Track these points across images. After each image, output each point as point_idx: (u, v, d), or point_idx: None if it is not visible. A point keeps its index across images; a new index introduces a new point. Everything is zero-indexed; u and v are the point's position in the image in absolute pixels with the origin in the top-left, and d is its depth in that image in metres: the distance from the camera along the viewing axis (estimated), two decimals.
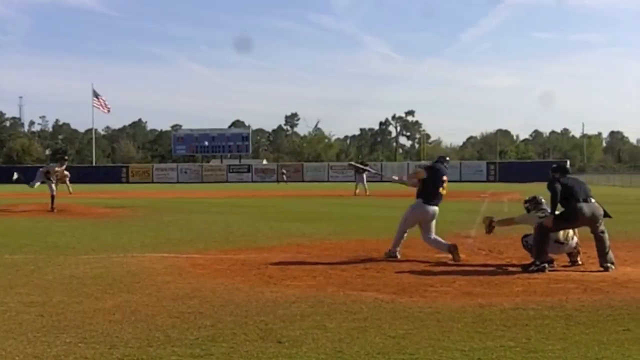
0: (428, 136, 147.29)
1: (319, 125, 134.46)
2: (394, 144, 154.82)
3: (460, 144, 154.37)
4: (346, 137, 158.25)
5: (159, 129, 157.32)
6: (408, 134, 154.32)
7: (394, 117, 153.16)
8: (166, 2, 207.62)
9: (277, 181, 72.84)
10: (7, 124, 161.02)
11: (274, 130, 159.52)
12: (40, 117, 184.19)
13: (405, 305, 7.41)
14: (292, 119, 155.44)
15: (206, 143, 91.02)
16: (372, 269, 10.05)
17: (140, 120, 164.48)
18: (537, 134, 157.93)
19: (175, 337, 6.05)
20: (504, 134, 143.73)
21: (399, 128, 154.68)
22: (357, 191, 37.33)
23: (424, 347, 5.68)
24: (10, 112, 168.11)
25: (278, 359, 5.36)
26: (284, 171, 77.82)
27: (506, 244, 12.62)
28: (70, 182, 26.66)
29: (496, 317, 6.77)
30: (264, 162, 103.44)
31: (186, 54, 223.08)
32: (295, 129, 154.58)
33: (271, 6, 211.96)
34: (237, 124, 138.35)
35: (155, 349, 5.66)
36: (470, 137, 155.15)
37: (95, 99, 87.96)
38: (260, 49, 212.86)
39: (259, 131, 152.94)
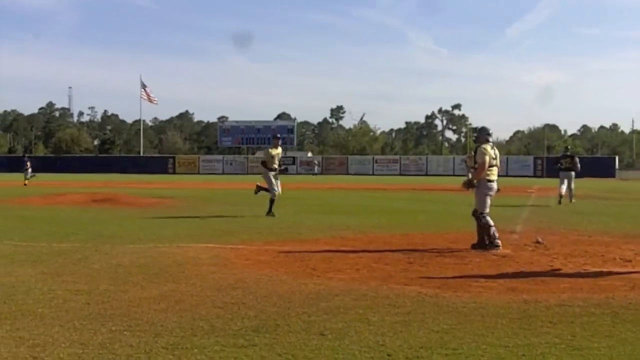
0: (474, 130, 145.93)
1: (364, 119, 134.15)
2: (440, 137, 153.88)
3: (507, 138, 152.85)
4: (391, 130, 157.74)
5: (206, 121, 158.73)
6: (454, 127, 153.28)
7: (440, 111, 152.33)
8: None
9: (313, 173, 72.75)
10: (57, 114, 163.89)
11: (319, 123, 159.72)
12: (89, 108, 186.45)
13: (449, 300, 7.36)
14: (337, 112, 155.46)
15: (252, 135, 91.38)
16: (416, 263, 9.99)
17: (187, 111, 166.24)
18: (585, 129, 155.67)
19: (219, 327, 6.09)
20: (551, 128, 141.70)
21: (445, 121, 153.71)
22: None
23: (468, 342, 5.64)
24: (60, 103, 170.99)
25: (321, 351, 5.36)
26: (316, 162, 77.78)
27: (553, 240, 12.46)
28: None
29: (541, 314, 6.68)
30: (309, 154, 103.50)
31: (232, 48, 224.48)
32: (341, 122, 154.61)
33: (316, 1, 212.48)
34: (282, 116, 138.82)
35: (199, 338, 5.71)
36: (517, 132, 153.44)
37: (143, 90, 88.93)
38: (305, 43, 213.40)
39: (305, 124, 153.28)
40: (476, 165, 11.59)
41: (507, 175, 66.24)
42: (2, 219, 17.26)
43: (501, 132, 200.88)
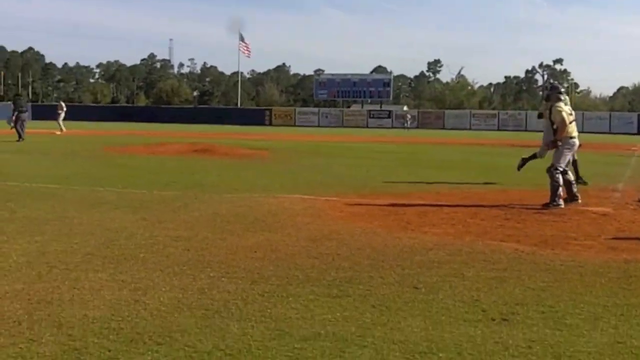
0: (576, 85, 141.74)
1: (462, 72, 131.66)
2: (540, 92, 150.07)
3: (611, 94, 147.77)
4: (490, 84, 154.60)
5: (302, 74, 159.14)
6: (556, 82, 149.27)
7: (540, 65, 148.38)
8: None
9: (405, 127, 71.88)
10: (158, 65, 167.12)
11: (415, 77, 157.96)
12: (189, 60, 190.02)
13: (547, 257, 7.25)
14: (434, 65, 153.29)
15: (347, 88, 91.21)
16: (513, 219, 9.85)
17: (284, 64, 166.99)
18: None
19: (314, 276, 6.17)
20: None
21: (546, 76, 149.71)
22: None
23: (565, 300, 5.55)
24: (161, 55, 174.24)
25: (414, 304, 5.38)
26: (409, 116, 76.86)
27: None
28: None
29: None
30: (405, 108, 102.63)
31: (330, 0, 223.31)
32: (438, 76, 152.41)
33: None
34: (378, 69, 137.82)
35: (295, 287, 5.80)
36: (622, 88, 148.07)
37: (241, 42, 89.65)
38: None
39: (401, 77, 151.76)
40: (555, 127, 11.35)
41: (610, 133, 64.29)
42: (106, 167, 17.85)
43: (604, 88, 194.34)
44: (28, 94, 73.20)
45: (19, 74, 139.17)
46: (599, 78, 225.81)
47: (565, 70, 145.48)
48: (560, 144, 11.15)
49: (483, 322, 4.94)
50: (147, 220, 9.05)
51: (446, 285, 5.96)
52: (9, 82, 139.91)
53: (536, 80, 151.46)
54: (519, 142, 35.39)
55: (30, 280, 5.86)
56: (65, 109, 41.52)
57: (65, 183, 13.26)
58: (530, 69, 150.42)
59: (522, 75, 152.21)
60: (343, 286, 5.85)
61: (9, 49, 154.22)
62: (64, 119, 40.25)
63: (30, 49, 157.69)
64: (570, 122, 11.27)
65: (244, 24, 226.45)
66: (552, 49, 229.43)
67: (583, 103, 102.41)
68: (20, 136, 28.77)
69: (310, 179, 15.09)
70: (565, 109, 11.35)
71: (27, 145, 26.91)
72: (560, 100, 11.46)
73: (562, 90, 11.80)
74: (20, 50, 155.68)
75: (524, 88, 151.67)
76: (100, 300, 5.28)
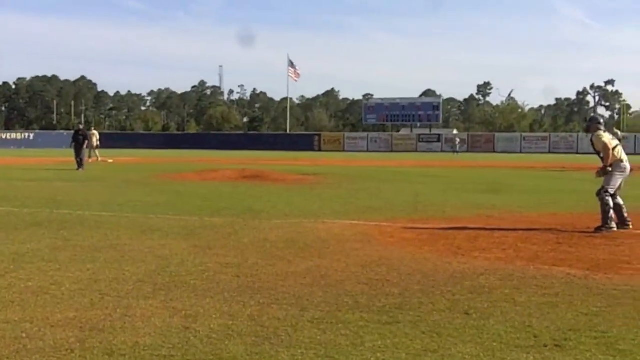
0: (629, 107, 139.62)
1: (512, 95, 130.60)
2: (592, 114, 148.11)
3: None
4: (541, 106, 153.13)
5: (351, 98, 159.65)
6: (607, 104, 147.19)
7: (592, 87, 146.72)
8: None
9: (454, 151, 71.38)
10: (208, 92, 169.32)
11: (465, 100, 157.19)
12: (239, 86, 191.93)
13: (599, 282, 7.13)
14: (484, 88, 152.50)
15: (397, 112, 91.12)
16: (564, 243, 9.71)
17: (333, 89, 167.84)
18: None
19: (364, 303, 6.16)
20: None
21: (597, 98, 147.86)
22: None
23: (618, 325, 5.45)
24: (211, 82, 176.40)
25: (465, 330, 5.33)
26: (458, 140, 76.26)
27: None
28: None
29: None
30: (454, 131, 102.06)
31: (378, 24, 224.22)
32: (488, 99, 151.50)
33: None
34: (428, 93, 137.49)
35: (344, 313, 5.79)
36: None
37: (290, 68, 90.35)
38: (450, 17, 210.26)
39: (450, 100, 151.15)
40: (601, 155, 11.23)
41: None
42: (159, 193, 18.07)
43: None
44: (81, 123, 74.40)
45: (72, 103, 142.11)
46: None
47: (617, 92, 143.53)
48: (610, 169, 11.03)
49: (535, 348, 4.87)
50: (197, 247, 9.13)
51: (497, 311, 5.89)
52: (62, 110, 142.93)
53: (587, 102, 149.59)
54: (570, 165, 34.95)
55: (83, 307, 5.95)
56: (98, 137, 40.56)
57: (117, 211, 13.46)
58: (581, 90, 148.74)
59: (574, 97, 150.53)
60: (393, 312, 5.82)
61: (62, 78, 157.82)
62: (98, 147, 39.31)
63: (83, 77, 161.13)
64: (615, 147, 11.14)
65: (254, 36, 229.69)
66: (604, 70, 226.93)
67: (636, 125, 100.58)
68: (80, 165, 29.37)
69: (360, 204, 15.08)
70: (605, 135, 11.31)
71: (80, 173, 27.42)
72: (599, 130, 11.38)
73: (601, 120, 11.77)
74: (72, 79, 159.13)
75: (575, 110, 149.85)
76: (151, 328, 5.33)
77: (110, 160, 38.11)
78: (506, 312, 5.84)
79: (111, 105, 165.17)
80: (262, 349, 4.83)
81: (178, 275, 7.34)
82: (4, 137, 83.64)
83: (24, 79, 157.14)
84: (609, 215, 10.77)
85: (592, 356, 4.72)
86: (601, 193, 10.89)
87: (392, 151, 76.88)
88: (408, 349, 4.85)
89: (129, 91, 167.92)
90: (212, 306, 6.01)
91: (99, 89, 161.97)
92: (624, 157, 11.25)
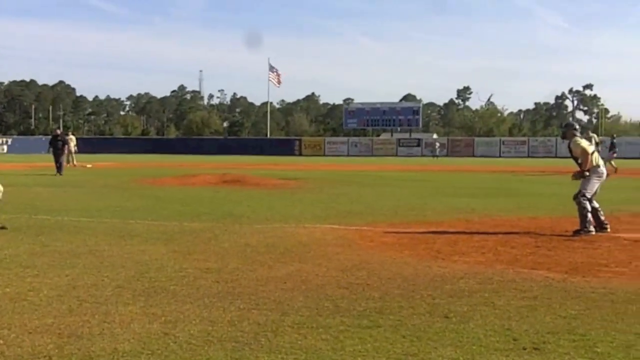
0: (607, 111, 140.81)
1: (491, 99, 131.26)
2: (570, 118, 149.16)
3: None
4: (519, 111, 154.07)
5: (332, 103, 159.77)
6: (585, 108, 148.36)
7: (570, 91, 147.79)
8: None
9: (434, 156, 71.49)
10: (188, 97, 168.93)
11: (445, 104, 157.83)
12: (219, 91, 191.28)
13: (578, 285, 7.18)
14: (464, 92, 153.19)
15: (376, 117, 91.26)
16: (543, 247, 9.78)
17: (313, 94, 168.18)
18: None
19: (344, 307, 6.16)
20: None
21: (575, 102, 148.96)
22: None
23: (596, 328, 5.49)
24: (191, 86, 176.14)
25: (445, 334, 5.34)
26: (438, 144, 76.33)
27: None
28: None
29: None
30: (434, 136, 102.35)
31: (360, 29, 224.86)
32: (467, 103, 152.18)
33: None
34: (408, 97, 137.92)
35: (325, 318, 5.79)
36: None
37: (270, 72, 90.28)
38: (430, 22, 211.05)
39: (430, 105, 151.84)
40: (579, 161, 11.35)
41: None
42: (138, 198, 17.99)
43: (635, 113, 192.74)
44: (59, 128, 73.94)
45: (50, 108, 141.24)
46: (629, 103, 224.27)
47: (595, 96, 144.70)
48: (588, 174, 11.13)
49: (514, 352, 4.89)
50: (177, 252, 9.10)
51: (477, 314, 5.91)
52: (40, 115, 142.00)
53: (566, 106, 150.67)
54: (549, 169, 35.16)
55: (61, 314, 5.90)
56: (75, 141, 39.79)
57: (96, 216, 13.38)
58: (559, 94, 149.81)
59: (552, 101, 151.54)
60: (373, 316, 5.83)
61: (40, 82, 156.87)
62: (75, 152, 38.49)
63: (61, 82, 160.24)
64: (592, 152, 11.26)
65: (260, 38, 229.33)
66: (582, 74, 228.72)
67: (613, 128, 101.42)
68: (59, 170, 29.28)
69: (341, 209, 15.09)
70: (582, 141, 11.49)
71: (58, 178, 27.26)
72: (575, 135, 11.51)
73: (577, 126, 11.94)
74: (51, 84, 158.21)
75: (554, 114, 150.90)
76: (130, 334, 5.30)
77: (89, 165, 37.87)
78: (485, 316, 5.86)
79: (90, 110, 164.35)
80: (242, 354, 4.82)
81: (157, 280, 7.30)
82: None
83: (1, 83, 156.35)
84: (587, 219, 10.85)
85: (571, 359, 4.75)
86: (578, 197, 10.99)
87: (372, 155, 76.95)
88: (388, 353, 4.85)
89: (107, 96, 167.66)
90: (191, 312, 5.98)
91: (78, 94, 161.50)
92: (601, 162, 11.38)
